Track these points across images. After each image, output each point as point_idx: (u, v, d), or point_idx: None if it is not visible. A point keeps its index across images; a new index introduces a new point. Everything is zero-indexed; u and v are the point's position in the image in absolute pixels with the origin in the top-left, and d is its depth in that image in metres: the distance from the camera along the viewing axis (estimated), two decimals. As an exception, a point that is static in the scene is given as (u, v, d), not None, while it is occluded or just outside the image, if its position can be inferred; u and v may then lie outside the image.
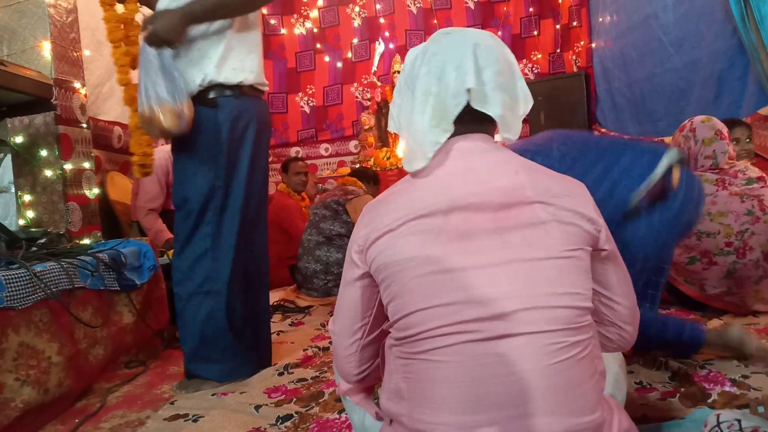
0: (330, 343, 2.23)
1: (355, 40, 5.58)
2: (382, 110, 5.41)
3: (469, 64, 0.87)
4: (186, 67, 1.72)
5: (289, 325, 2.65)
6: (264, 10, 5.40)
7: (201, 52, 1.74)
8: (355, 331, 0.95)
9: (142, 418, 1.63)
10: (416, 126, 0.90)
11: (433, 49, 0.92)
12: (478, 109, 0.87)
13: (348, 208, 3.07)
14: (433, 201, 0.84)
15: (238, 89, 1.78)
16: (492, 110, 0.87)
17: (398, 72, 5.31)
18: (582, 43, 5.04)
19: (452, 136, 0.89)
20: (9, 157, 2.67)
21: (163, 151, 3.08)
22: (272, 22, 5.50)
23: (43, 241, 2.15)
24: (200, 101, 1.74)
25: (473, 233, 0.82)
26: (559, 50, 5.23)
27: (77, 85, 2.59)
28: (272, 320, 2.70)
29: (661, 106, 3.73)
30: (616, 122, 4.49)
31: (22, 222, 2.51)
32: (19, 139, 2.49)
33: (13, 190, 3.13)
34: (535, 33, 5.32)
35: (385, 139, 5.28)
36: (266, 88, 1.93)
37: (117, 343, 2.02)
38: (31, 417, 1.57)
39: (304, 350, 2.16)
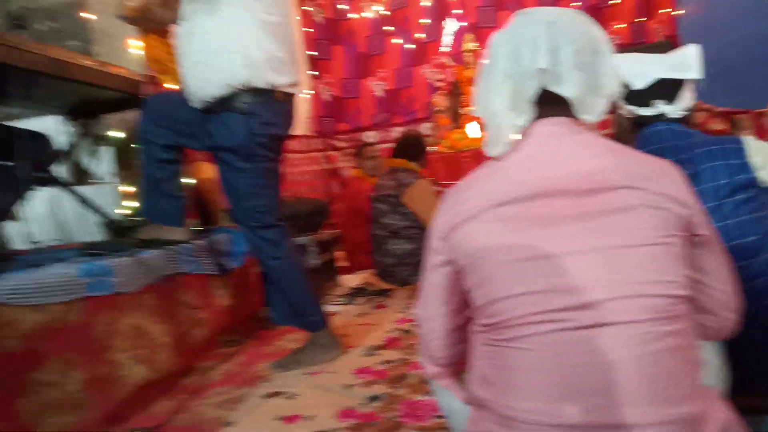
0: (413, 326, 2.27)
1: (425, 21, 5.53)
2: (454, 90, 5.36)
3: (543, 43, 0.86)
4: None
5: (372, 308, 2.71)
6: (333, -5, 5.45)
7: None
8: (440, 316, 0.96)
9: (241, 394, 1.74)
10: (494, 110, 0.90)
11: (510, 30, 0.91)
12: (553, 90, 0.86)
13: (404, 201, 3.04)
14: (515, 187, 0.83)
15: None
16: (567, 91, 0.86)
17: (470, 51, 5.24)
18: (667, 10, 4.76)
19: (533, 119, 0.88)
20: (108, 150, 2.87)
21: None
22: (341, 7, 5.54)
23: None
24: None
25: (557, 220, 0.81)
26: (642, 19, 4.96)
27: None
28: (355, 303, 2.79)
29: (754, 75, 3.48)
30: (705, 93, 4.22)
31: (123, 212, 2.70)
32: (116, 134, 2.67)
33: (109, 177, 3.36)
34: (615, 1, 5.07)
35: (458, 120, 5.23)
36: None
37: (215, 324, 2.15)
38: (143, 393, 1.71)
39: (388, 332, 2.21)
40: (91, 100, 2.17)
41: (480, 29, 5.34)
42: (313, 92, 5.48)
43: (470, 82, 5.26)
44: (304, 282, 1.99)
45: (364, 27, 5.57)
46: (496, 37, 0.95)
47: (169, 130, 1.95)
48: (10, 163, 2.01)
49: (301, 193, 4.93)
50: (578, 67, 0.86)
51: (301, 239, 2.76)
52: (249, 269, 2.48)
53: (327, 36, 5.52)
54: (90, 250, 1.97)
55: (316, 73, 5.50)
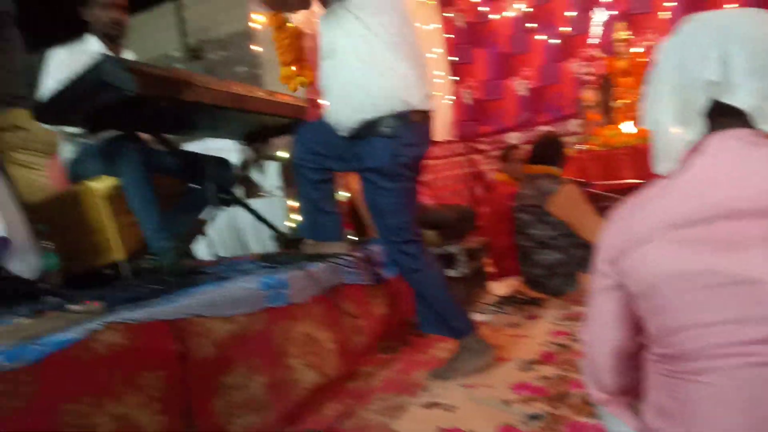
0: (570, 340, 2.22)
1: (571, 14, 5.30)
2: (605, 84, 5.08)
3: (712, 52, 0.80)
4: None
5: (524, 318, 2.68)
6: (474, -1, 5.44)
7: None
8: (608, 342, 0.92)
9: (401, 403, 1.82)
10: (662, 123, 0.86)
11: (678, 38, 0.86)
12: (725, 101, 0.80)
13: (550, 210, 2.93)
14: (692, 207, 0.78)
15: None
16: (742, 101, 0.79)
17: (622, 40, 4.93)
18: None
19: (706, 133, 0.82)
20: (276, 165, 3.16)
21: None
22: (483, 9, 5.50)
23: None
24: None
25: (745, 243, 0.74)
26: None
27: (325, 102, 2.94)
28: (506, 312, 2.78)
29: None
30: None
31: (290, 225, 2.95)
32: (283, 154, 2.92)
33: (278, 193, 3.67)
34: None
35: (610, 115, 4.95)
36: None
37: (374, 332, 2.28)
38: (314, 396, 1.86)
39: (543, 346, 2.18)
40: (263, 126, 2.40)
41: (632, 16, 5.01)
42: (454, 97, 5.52)
43: (623, 73, 4.95)
44: (445, 290, 2.05)
45: (507, 27, 5.47)
46: (663, 45, 0.91)
47: (318, 155, 2.11)
48: (199, 186, 2.30)
49: (445, 199, 4.99)
50: (754, 73, 0.79)
51: (449, 248, 2.80)
52: (401, 279, 2.59)
53: (468, 40, 5.52)
54: (265, 262, 2.19)
55: (457, 78, 5.52)
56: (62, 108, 1.87)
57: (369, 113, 1.88)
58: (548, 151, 3.17)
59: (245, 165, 3.12)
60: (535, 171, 3.13)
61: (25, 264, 1.76)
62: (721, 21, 0.83)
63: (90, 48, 2.28)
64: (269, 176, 3.96)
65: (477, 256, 3.08)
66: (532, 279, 3.06)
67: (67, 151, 2.24)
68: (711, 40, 0.81)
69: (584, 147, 4.66)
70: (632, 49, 4.94)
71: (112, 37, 2.30)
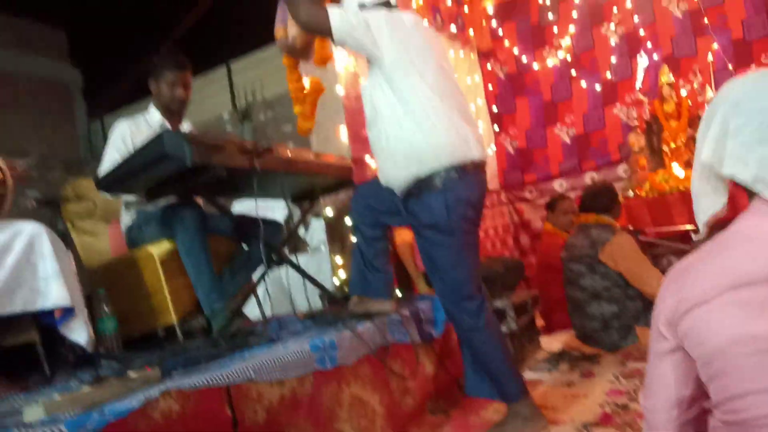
0: (629, 399, 2.13)
1: (613, 59, 5.31)
2: (652, 128, 5.01)
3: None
4: None
5: (579, 376, 2.59)
6: (515, 50, 5.52)
7: None
8: (671, 408, 0.89)
9: (454, 469, 1.77)
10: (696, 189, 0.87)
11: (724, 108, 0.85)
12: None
13: (602, 260, 2.85)
14: (753, 267, 0.76)
15: None
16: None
17: (668, 84, 4.88)
18: None
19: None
20: (321, 222, 3.21)
21: None
22: (524, 59, 5.56)
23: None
24: None
25: None
26: None
27: (368, 159, 3.00)
28: (559, 369, 2.69)
29: None
30: None
31: (336, 281, 2.98)
32: (329, 212, 2.98)
33: (324, 249, 3.72)
34: None
35: (659, 159, 4.86)
36: None
37: (423, 392, 2.24)
38: (364, 461, 1.84)
39: (601, 406, 2.10)
40: (310, 186, 2.47)
41: (677, 59, 4.99)
42: (495, 148, 5.55)
43: (670, 116, 4.89)
44: (502, 352, 2.00)
45: (548, 75, 5.51)
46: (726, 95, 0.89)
47: (374, 211, 2.14)
48: (250, 247, 2.37)
49: (490, 251, 4.95)
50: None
51: (496, 302, 2.76)
52: (450, 336, 2.55)
53: (510, 90, 5.58)
54: (312, 321, 2.21)
55: (498, 128, 5.57)
56: (124, 178, 1.98)
57: (417, 171, 1.90)
58: (601, 199, 3.09)
59: (292, 222, 3.19)
60: (587, 220, 3.06)
61: (84, 332, 1.82)
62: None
63: (152, 120, 2.43)
64: (315, 232, 4.04)
65: (526, 310, 3.02)
66: (586, 333, 2.97)
67: (126, 218, 2.36)
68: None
69: (632, 193, 4.58)
70: (677, 93, 4.89)
71: (174, 111, 2.44)
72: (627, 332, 2.83)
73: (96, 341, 1.91)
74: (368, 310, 2.20)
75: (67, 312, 1.78)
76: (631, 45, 5.21)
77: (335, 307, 2.50)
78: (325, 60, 2.62)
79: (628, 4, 5.15)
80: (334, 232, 2.97)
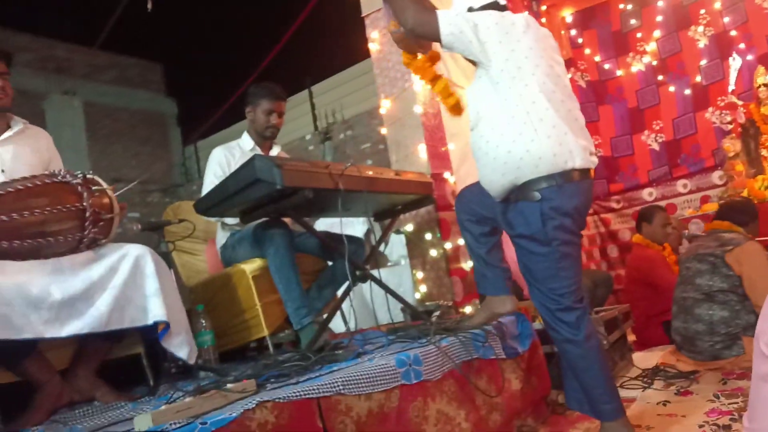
0: (732, 420, 2.00)
1: (703, 62, 5.06)
2: (748, 132, 4.71)
3: None
4: None
5: (675, 393, 2.46)
6: (596, 58, 5.38)
7: None
8: None
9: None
10: None
11: None
12: None
13: (728, 261, 2.70)
14: None
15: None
16: None
17: (764, 85, 4.58)
18: None
19: None
20: (402, 237, 3.26)
21: None
22: (606, 67, 5.41)
23: (438, 313, 2.53)
24: None
25: None
26: None
27: (447, 175, 3.02)
28: (654, 387, 2.57)
29: None
30: None
31: (417, 296, 3.00)
32: (409, 227, 3.02)
33: (403, 263, 3.77)
34: None
35: (758, 165, 4.56)
36: None
37: (510, 409, 2.21)
38: (451, 477, 1.83)
39: (701, 427, 1.98)
40: (391, 204, 2.52)
41: (774, 59, 4.68)
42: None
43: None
44: (601, 367, 1.93)
45: (633, 81, 5.33)
46: None
47: (477, 213, 2.14)
48: (335, 263, 2.44)
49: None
50: None
51: (587, 317, 2.67)
52: (536, 352, 2.50)
53: (592, 98, 5.44)
54: (396, 335, 2.25)
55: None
56: (220, 201, 2.12)
57: (514, 178, 1.87)
58: (737, 214, 2.99)
59: (371, 238, 3.27)
60: (719, 227, 2.95)
61: (184, 345, 1.94)
62: None
63: (245, 146, 2.59)
64: (394, 248, 4.09)
65: (617, 325, 2.90)
66: (689, 336, 2.81)
67: (222, 238, 2.51)
68: None
69: (724, 203, 4.31)
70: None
71: (267, 138, 2.60)
72: (732, 342, 2.66)
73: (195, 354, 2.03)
74: (493, 311, 2.21)
75: (167, 327, 1.90)
76: (721, 47, 4.96)
77: (417, 320, 2.52)
78: (457, 107, 2.39)
79: (717, 5, 4.91)
80: (414, 247, 3.01)
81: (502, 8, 2.01)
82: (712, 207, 4.43)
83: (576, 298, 1.93)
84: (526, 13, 2.22)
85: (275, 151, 2.67)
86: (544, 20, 5.13)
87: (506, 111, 1.87)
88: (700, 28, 5.04)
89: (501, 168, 1.89)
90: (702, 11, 5.01)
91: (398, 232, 3.14)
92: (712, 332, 2.73)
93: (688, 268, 2.89)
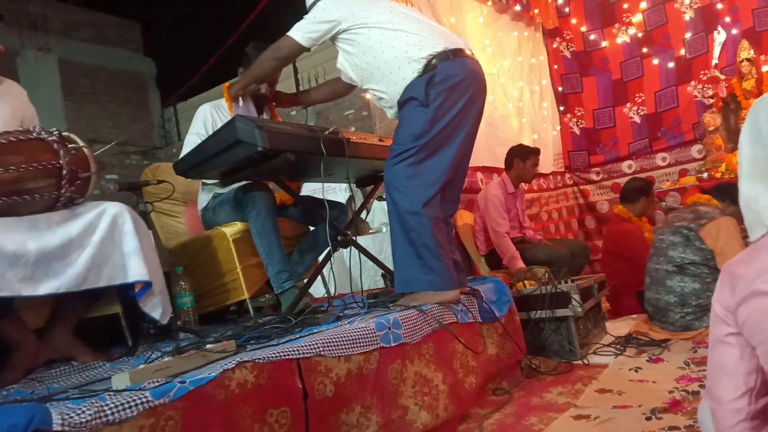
0: (700, 386, 2.07)
1: (687, 35, 5.06)
2: (729, 106, 4.76)
3: None
4: None
5: (647, 360, 2.53)
6: (582, 28, 5.35)
7: None
8: (738, 398, 0.88)
9: (517, 448, 1.79)
10: (755, 195, 0.87)
11: (756, 109, 0.88)
12: None
13: (701, 234, 2.75)
14: None
15: None
16: None
17: (747, 59, 4.60)
18: None
19: None
20: (383, 204, 3.25)
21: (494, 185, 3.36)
22: (592, 37, 5.39)
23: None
24: None
25: None
26: None
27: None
28: (626, 354, 2.64)
29: None
30: None
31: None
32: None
33: (384, 230, 3.78)
34: None
35: (737, 139, 4.61)
36: None
37: (485, 373, 2.26)
38: (427, 437, 1.88)
39: (670, 393, 2.05)
40: (374, 170, 2.51)
41: (758, 34, 4.70)
42: (560, 128, 5.42)
43: (750, 94, 4.62)
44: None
45: (618, 53, 5.33)
46: (755, 108, 0.90)
47: None
48: (316, 228, 2.44)
49: (554, 233, 4.87)
50: None
51: (562, 286, 2.72)
52: (513, 317, 2.55)
53: (576, 69, 5.43)
54: (375, 300, 2.27)
55: (562, 109, 5.43)
56: (200, 163, 2.09)
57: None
58: (722, 194, 2.98)
59: (353, 204, 3.26)
60: (699, 199, 3.01)
61: (159, 306, 1.93)
62: None
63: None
64: (376, 214, 4.09)
65: (592, 294, 2.96)
66: (660, 307, 2.88)
67: (203, 200, 2.48)
68: None
69: (707, 175, 4.38)
70: (760, 68, 4.62)
71: (260, 103, 2.55)
72: (702, 314, 2.74)
73: (174, 315, 2.03)
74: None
75: (146, 286, 1.89)
76: (707, 20, 4.96)
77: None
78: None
79: (704, -23, 4.89)
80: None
81: None
82: (690, 180, 4.50)
83: None
84: None
85: (266, 115, 2.62)
86: (532, -13, 5.07)
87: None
88: (687, 0, 5.03)
89: None
90: (690, -18, 4.99)
91: (380, 199, 3.13)
92: (683, 304, 2.80)
93: (661, 239, 2.95)
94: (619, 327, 3.10)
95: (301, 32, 2.13)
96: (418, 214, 2.02)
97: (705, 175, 4.39)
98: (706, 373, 0.93)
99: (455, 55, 2.04)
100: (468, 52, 2.12)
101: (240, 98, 2.43)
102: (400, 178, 2.02)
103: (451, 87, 2.01)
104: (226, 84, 2.55)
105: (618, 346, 2.73)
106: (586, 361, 2.57)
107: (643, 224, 3.74)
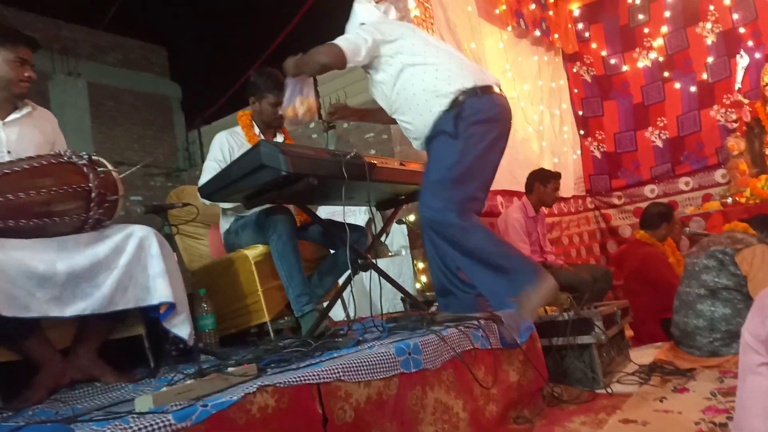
0: (728, 419, 2.01)
1: (710, 59, 5.04)
2: (753, 131, 4.70)
3: None
4: None
5: (672, 390, 2.48)
6: (603, 52, 5.36)
7: None
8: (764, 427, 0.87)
9: (539, 479, 1.75)
10: None
11: None
12: None
13: (737, 259, 2.70)
14: None
15: None
16: None
17: (769, 84, 4.56)
18: None
19: None
20: (403, 227, 3.27)
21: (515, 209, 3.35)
22: (612, 62, 5.39)
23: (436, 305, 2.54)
24: None
25: None
26: None
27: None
28: (651, 383, 2.59)
29: None
30: None
31: (418, 285, 3.02)
32: (411, 217, 3.03)
33: (404, 253, 3.78)
34: None
35: (761, 164, 4.55)
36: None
37: (506, 401, 2.23)
38: (447, 465, 1.85)
39: (696, 424, 2.00)
40: (394, 193, 2.53)
41: (781, 58, 4.67)
42: (580, 152, 5.40)
43: (774, 118, 4.57)
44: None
45: (639, 77, 5.32)
46: None
47: None
48: (334, 251, 2.45)
49: (575, 258, 4.81)
50: None
51: (584, 312, 2.68)
52: (534, 344, 2.52)
53: (597, 93, 5.43)
54: (396, 324, 2.26)
55: (582, 133, 5.42)
56: (224, 186, 2.12)
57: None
58: (760, 223, 2.95)
59: (372, 227, 3.27)
60: (736, 227, 2.96)
61: (185, 326, 1.95)
62: None
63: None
64: (395, 237, 4.10)
65: (615, 320, 2.91)
66: (688, 331, 2.82)
67: (225, 223, 2.52)
68: None
69: (731, 200, 4.32)
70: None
71: (271, 126, 2.60)
72: (731, 340, 2.67)
73: (196, 337, 2.04)
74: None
75: (171, 308, 1.91)
76: (729, 44, 4.94)
77: (417, 310, 2.54)
78: None
79: (726, 1, 4.88)
80: (416, 237, 3.01)
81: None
82: (714, 205, 4.44)
83: None
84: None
85: (279, 140, 2.68)
86: (551, 13, 5.10)
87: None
88: (708, 25, 5.02)
89: None
90: (711, 7, 4.98)
91: (400, 222, 3.14)
92: (712, 328, 2.74)
93: (695, 263, 2.89)
94: (642, 355, 3.04)
95: (347, 42, 2.14)
96: (462, 226, 2.08)
97: (729, 200, 4.32)
98: (735, 404, 0.91)
99: (483, 92, 2.09)
100: (496, 89, 2.16)
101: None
102: (436, 207, 2.07)
103: (479, 121, 2.08)
104: (239, 113, 2.62)
105: (642, 375, 2.67)
106: (609, 390, 2.51)
107: (667, 248, 3.69)
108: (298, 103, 2.21)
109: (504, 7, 4.35)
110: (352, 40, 2.14)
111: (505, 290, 2.07)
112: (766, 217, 3.06)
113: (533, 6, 4.84)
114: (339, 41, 2.15)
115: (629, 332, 3.44)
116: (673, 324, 2.96)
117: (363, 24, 2.24)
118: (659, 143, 5.25)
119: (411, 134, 2.20)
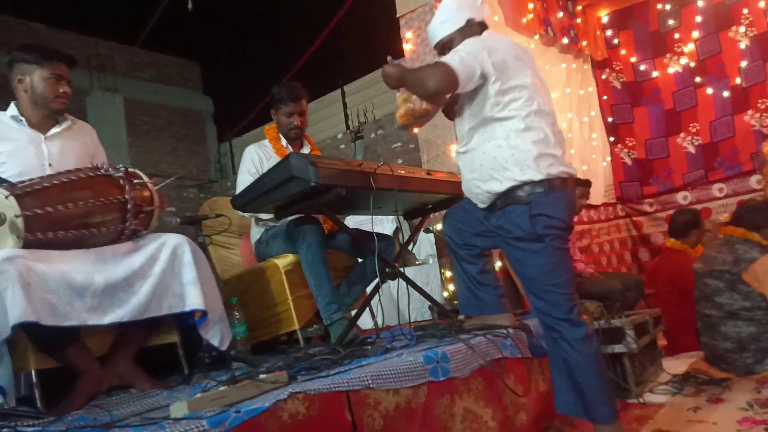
0: (764, 429, 1.97)
1: (743, 63, 4.93)
2: (789, 136, 4.59)
3: None
4: None
5: (706, 400, 2.43)
6: (632, 59, 5.30)
7: None
8: None
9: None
10: None
11: None
12: None
13: (746, 279, 2.63)
14: None
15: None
16: None
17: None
18: None
19: None
20: (431, 236, 3.28)
21: None
22: (642, 68, 5.32)
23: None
24: None
25: None
26: None
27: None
28: (684, 393, 2.54)
29: None
30: None
31: (445, 294, 3.02)
32: (439, 226, 3.04)
33: (431, 262, 3.78)
34: None
35: (799, 170, 4.43)
36: None
37: (536, 410, 2.21)
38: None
39: (733, 435, 1.96)
40: (422, 202, 2.55)
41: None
42: (610, 159, 5.33)
43: (812, 123, 4.45)
44: (600, 369, 1.92)
45: (670, 83, 5.23)
46: None
47: (464, 232, 2.16)
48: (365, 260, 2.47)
49: (606, 267, 4.74)
50: None
51: (615, 321, 2.65)
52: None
53: (627, 99, 5.36)
54: (424, 332, 2.27)
55: (613, 139, 5.35)
56: (256, 198, 2.17)
57: (500, 184, 1.92)
58: (755, 215, 2.85)
59: (399, 236, 3.30)
60: (734, 233, 2.85)
61: (218, 333, 1.99)
62: None
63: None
64: (423, 246, 4.11)
65: (647, 330, 2.87)
66: (717, 353, 2.77)
67: (256, 233, 2.57)
68: None
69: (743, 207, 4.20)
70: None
71: (292, 138, 2.66)
72: (764, 356, 2.61)
73: (228, 344, 2.08)
74: (485, 323, 2.21)
75: (204, 314, 1.96)
76: (764, 48, 4.82)
77: (444, 318, 2.54)
78: None
79: (761, 4, 4.77)
80: (443, 246, 3.02)
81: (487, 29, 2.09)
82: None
83: (572, 298, 1.94)
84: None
85: (306, 150, 2.73)
86: (579, 20, 5.07)
87: (491, 128, 1.95)
88: (742, 29, 4.92)
89: (484, 175, 1.96)
90: (745, 11, 4.88)
91: (428, 230, 3.16)
92: (742, 349, 2.68)
93: (704, 283, 2.83)
94: (676, 364, 2.98)
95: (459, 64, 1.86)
96: None
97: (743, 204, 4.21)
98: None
99: (552, 187, 1.92)
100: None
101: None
102: None
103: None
104: (266, 126, 2.69)
105: (675, 385, 2.63)
106: (641, 400, 2.48)
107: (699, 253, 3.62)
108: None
109: (531, 16, 4.35)
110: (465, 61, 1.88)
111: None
112: (749, 207, 2.94)
113: (561, 14, 4.81)
114: (448, 59, 1.88)
115: (662, 342, 3.38)
116: (702, 345, 2.90)
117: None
118: (692, 149, 5.15)
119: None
